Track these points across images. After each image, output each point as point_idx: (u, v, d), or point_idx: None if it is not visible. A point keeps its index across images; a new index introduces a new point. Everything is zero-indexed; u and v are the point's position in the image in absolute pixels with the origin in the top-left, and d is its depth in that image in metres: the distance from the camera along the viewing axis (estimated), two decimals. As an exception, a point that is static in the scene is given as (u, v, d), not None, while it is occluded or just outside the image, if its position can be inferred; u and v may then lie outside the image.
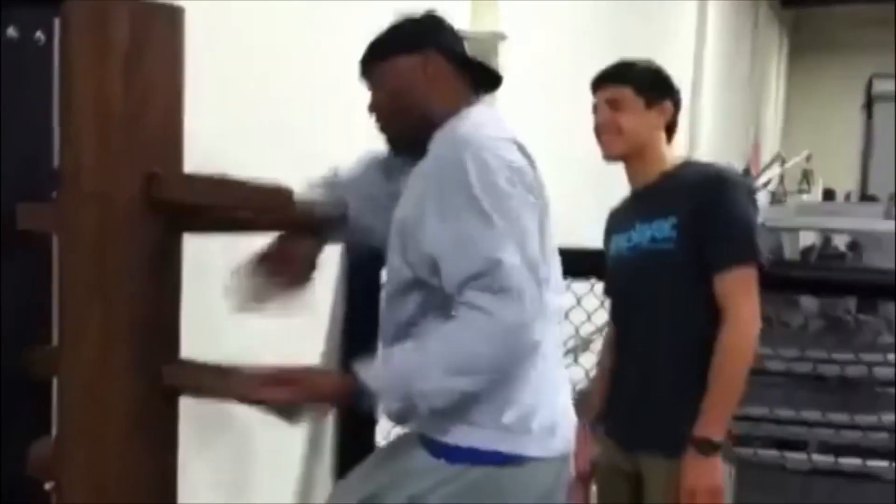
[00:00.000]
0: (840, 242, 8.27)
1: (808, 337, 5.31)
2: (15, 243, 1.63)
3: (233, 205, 1.54)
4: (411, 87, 1.70)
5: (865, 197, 12.82)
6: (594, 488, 2.28)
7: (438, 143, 1.63)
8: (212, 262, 1.77)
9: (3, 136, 1.60)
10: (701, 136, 9.37)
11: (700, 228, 2.02)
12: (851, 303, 5.89)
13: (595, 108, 2.17)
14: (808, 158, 13.15)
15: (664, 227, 2.06)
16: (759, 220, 2.17)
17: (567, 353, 2.33)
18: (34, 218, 1.61)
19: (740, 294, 2.00)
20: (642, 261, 2.11)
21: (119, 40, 1.43)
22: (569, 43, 5.16)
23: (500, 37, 3.69)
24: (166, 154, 1.50)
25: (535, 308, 1.51)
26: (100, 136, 1.43)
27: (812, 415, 3.89)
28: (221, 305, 1.75)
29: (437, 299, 1.58)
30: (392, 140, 1.76)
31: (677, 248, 2.03)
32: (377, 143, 1.80)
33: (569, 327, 2.35)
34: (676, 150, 2.24)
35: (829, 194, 13.09)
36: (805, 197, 11.82)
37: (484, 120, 1.67)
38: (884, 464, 3.74)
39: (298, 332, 2.33)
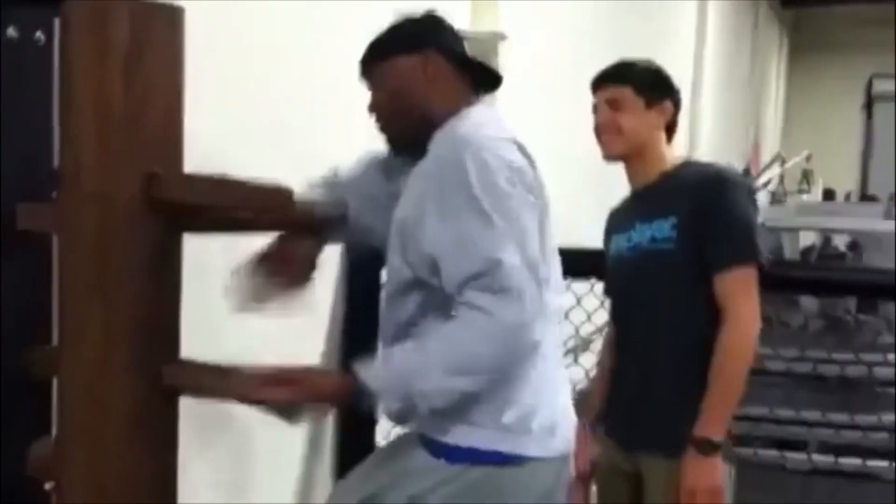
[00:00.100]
0: (840, 242, 8.27)
1: (808, 337, 5.31)
2: (15, 243, 1.63)
3: (233, 205, 1.54)
4: (411, 86, 1.70)
5: (865, 197, 12.82)
6: (594, 488, 2.28)
7: (438, 143, 1.63)
8: (212, 262, 1.77)
9: (3, 135, 1.60)
10: (701, 136, 9.37)
11: (700, 228, 2.01)
12: (851, 303, 5.89)
13: (595, 108, 2.17)
14: (808, 158, 13.15)
15: (664, 227, 2.05)
16: (759, 220, 2.17)
17: (567, 353, 2.33)
18: (34, 218, 1.61)
19: (740, 294, 2.00)
20: (642, 261, 2.11)
21: (119, 40, 1.43)
22: (569, 43, 5.16)
23: (500, 37, 3.69)
24: (166, 154, 1.50)
25: (535, 308, 1.51)
26: (100, 135, 1.43)
27: (812, 415, 3.89)
28: (221, 305, 1.75)
29: (437, 299, 1.58)
30: (392, 140, 1.76)
31: (677, 248, 2.03)
32: (377, 143, 1.80)
33: (569, 327, 2.35)
34: (676, 151, 2.24)
35: (829, 194, 13.09)
36: (805, 197, 11.82)
37: (484, 120, 1.66)
38: (884, 464, 3.74)
39: (298, 333, 2.33)
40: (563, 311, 1.82)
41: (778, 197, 10.90)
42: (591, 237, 2.34)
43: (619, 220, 2.22)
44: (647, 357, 2.10)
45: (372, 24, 1.76)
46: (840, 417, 3.91)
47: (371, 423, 2.51)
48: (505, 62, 3.56)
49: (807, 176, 13.11)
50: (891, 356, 4.32)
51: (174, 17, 1.50)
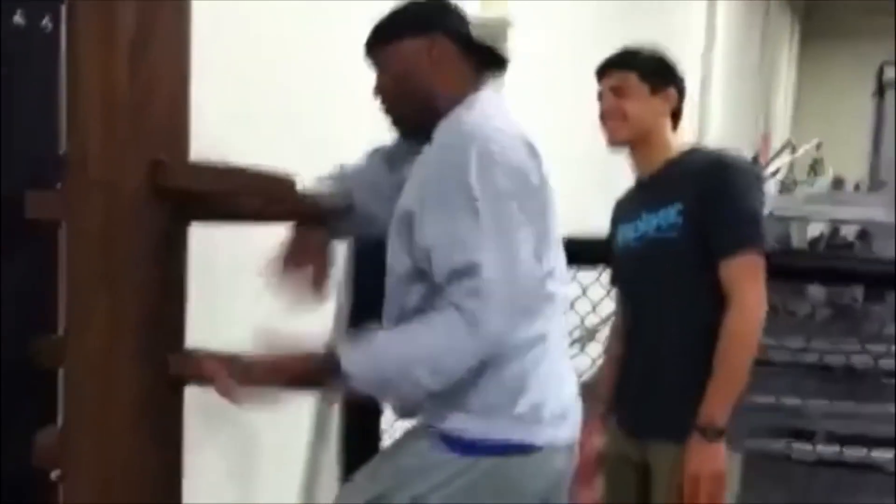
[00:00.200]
0: (849, 232, 8.23)
1: (815, 326, 5.30)
2: (21, 232, 1.63)
3: (238, 192, 1.54)
4: (416, 70, 1.68)
5: (876, 183, 12.74)
6: (602, 478, 2.28)
7: (444, 133, 1.61)
8: (218, 251, 1.77)
9: (10, 123, 1.60)
10: (710, 125, 9.34)
11: (705, 215, 2.01)
12: (858, 292, 5.87)
13: (600, 96, 2.16)
14: (819, 146, 13.08)
15: (670, 215, 2.05)
16: (768, 208, 2.16)
17: (573, 342, 2.32)
18: (42, 206, 1.61)
19: (746, 280, 1.99)
20: (648, 250, 2.11)
21: (125, 28, 1.42)
22: (577, 30, 5.14)
23: (508, 23, 3.67)
24: (172, 142, 1.49)
25: (512, 313, 1.52)
26: (106, 123, 1.43)
27: (818, 404, 3.89)
28: (227, 294, 1.75)
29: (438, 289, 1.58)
30: (396, 122, 1.75)
31: (682, 235, 2.03)
32: (383, 132, 1.79)
33: (574, 317, 2.34)
34: (684, 138, 2.23)
35: (838, 183, 13.02)
36: (814, 185, 11.76)
37: (491, 110, 1.64)
38: (888, 455, 3.73)
39: (304, 321, 2.33)
40: (569, 300, 1.82)
41: (787, 185, 10.85)
42: (598, 226, 2.33)
43: (625, 211, 2.21)
44: (655, 345, 2.11)
45: (379, 11, 1.75)
46: (846, 407, 3.91)
47: (377, 414, 2.51)
48: (513, 49, 3.55)
49: (816, 164, 13.04)
50: (893, 347, 4.31)
51: (181, 5, 1.49)
